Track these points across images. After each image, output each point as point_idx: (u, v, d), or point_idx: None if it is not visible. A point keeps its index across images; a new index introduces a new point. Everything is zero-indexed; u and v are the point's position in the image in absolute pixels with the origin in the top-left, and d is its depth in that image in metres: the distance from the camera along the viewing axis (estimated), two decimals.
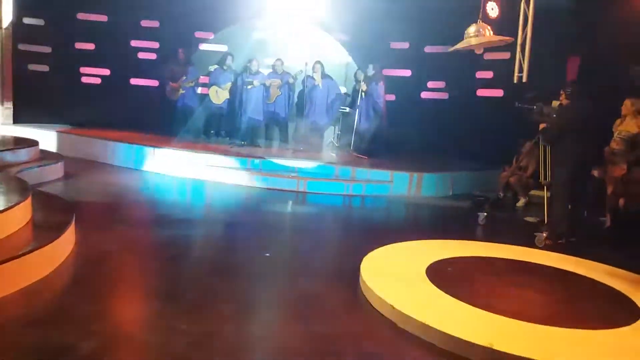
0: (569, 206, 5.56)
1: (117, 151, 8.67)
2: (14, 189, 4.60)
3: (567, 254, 5.02)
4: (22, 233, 4.12)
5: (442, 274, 4.09)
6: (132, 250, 4.57)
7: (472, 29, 5.21)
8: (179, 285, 3.71)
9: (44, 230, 4.20)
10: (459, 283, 3.99)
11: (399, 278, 3.89)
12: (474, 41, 5.17)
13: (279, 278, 4.07)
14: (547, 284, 4.18)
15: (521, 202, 7.59)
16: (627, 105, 6.10)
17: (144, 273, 4.11)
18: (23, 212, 4.28)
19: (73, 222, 4.49)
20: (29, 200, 4.42)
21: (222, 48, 10.44)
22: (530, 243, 5.37)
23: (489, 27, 5.23)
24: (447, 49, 6.66)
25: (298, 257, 4.79)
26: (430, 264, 4.27)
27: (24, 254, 3.58)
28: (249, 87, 9.24)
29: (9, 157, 6.63)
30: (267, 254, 4.53)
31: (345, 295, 3.74)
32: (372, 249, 4.52)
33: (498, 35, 5.27)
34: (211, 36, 10.61)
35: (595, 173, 6.43)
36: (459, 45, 5.33)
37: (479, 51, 5.77)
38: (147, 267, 4.21)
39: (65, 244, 4.21)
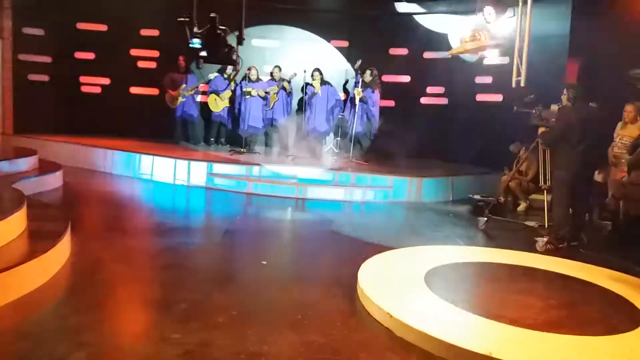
0: (570, 210, 5.50)
1: (116, 160, 8.67)
2: (8, 199, 4.58)
3: (568, 258, 4.97)
4: (17, 243, 4.09)
5: (440, 281, 4.04)
6: (128, 259, 4.53)
7: (467, 34, 5.17)
8: (174, 295, 3.66)
9: (38, 240, 4.17)
10: (458, 289, 3.94)
11: (396, 285, 3.84)
12: (469, 46, 5.13)
13: (274, 287, 4.02)
14: (548, 290, 4.12)
15: (522, 206, 7.53)
16: (629, 109, 6.06)
17: (139, 282, 4.07)
18: (18, 223, 4.26)
19: (68, 232, 4.46)
20: (23, 211, 4.39)
21: None
22: (531, 248, 5.32)
23: (484, 32, 5.18)
24: (445, 54, 6.65)
25: (295, 265, 4.74)
26: (429, 271, 4.22)
27: (17, 265, 3.55)
28: (247, 97, 9.27)
29: (6, 167, 6.62)
30: (264, 262, 4.48)
31: (342, 303, 3.69)
32: (371, 256, 4.48)
33: (494, 39, 5.23)
34: None
35: (598, 177, 6.38)
36: (455, 51, 5.29)
37: (474, 56, 5.72)
38: (141, 277, 4.17)
39: (60, 253, 4.18)
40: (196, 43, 2.56)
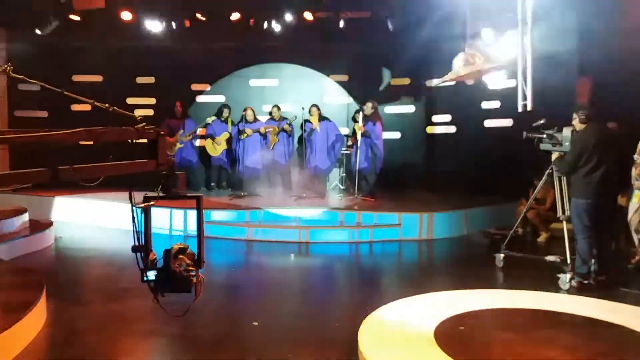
0: (594, 241, 4.97)
1: (114, 213, 8.34)
2: None
3: (598, 297, 4.44)
4: None
5: (453, 335, 3.54)
6: (106, 327, 4.11)
7: (460, 58, 4.76)
8: None
9: (6, 312, 3.79)
10: (473, 345, 3.45)
11: (402, 345, 3.36)
12: (463, 71, 4.72)
13: (264, 354, 3.55)
14: (575, 338, 3.60)
15: (542, 236, 7.00)
16: None
17: (120, 353, 3.65)
18: None
19: (43, 299, 4.09)
20: None
21: (220, 99, 10.25)
22: (554, 287, 4.79)
23: (479, 55, 4.78)
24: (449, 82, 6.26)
25: (291, 324, 4.24)
26: (440, 323, 3.73)
27: None
28: (243, 137, 8.97)
29: None
30: (255, 323, 4.02)
31: None
32: (376, 307, 4.02)
33: (493, 61, 4.83)
34: (207, 87, 10.45)
35: (622, 200, 5.86)
36: (447, 77, 4.89)
37: (470, 81, 5.32)
38: (117, 348, 3.73)
39: (32, 324, 3.81)
40: (151, 275, 2.25)
